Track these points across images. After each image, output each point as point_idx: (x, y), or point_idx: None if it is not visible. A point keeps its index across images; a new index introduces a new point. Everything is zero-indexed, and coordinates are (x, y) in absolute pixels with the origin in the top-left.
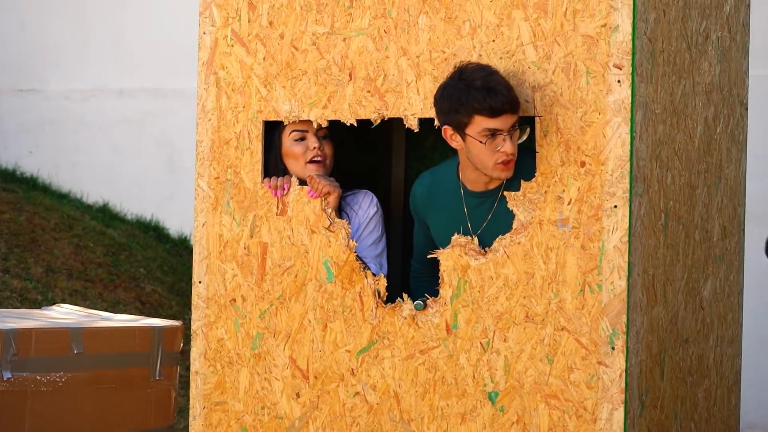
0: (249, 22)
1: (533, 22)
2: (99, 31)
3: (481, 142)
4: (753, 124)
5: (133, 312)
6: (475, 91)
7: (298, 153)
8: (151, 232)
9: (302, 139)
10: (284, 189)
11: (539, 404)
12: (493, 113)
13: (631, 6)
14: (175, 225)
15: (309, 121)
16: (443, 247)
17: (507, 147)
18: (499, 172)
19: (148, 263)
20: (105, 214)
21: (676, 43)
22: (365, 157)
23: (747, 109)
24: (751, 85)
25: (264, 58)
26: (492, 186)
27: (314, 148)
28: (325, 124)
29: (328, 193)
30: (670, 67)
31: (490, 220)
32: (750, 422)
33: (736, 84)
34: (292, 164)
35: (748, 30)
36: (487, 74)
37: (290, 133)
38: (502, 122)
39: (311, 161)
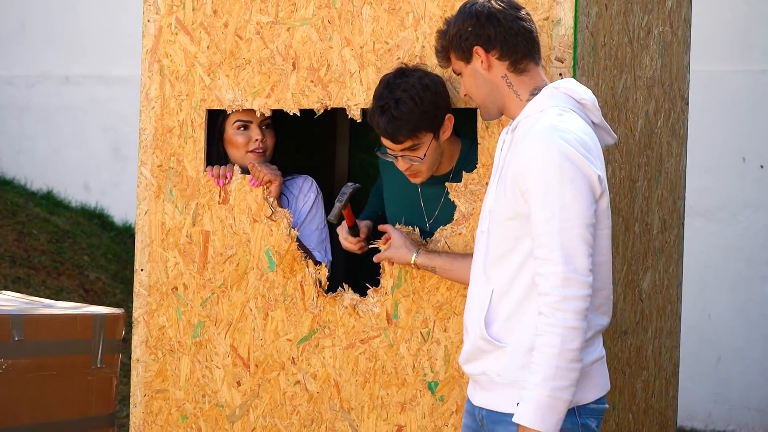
0: (193, 10)
1: None
2: (45, 17)
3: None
4: (694, 119)
5: (76, 299)
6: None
7: (240, 142)
8: (95, 219)
9: (245, 128)
10: (227, 178)
11: None
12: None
13: (573, 0)
14: (119, 213)
15: (253, 111)
16: (393, 219)
17: (399, 164)
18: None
19: (92, 251)
20: (49, 201)
21: (617, 37)
22: (310, 148)
23: (688, 103)
24: (693, 81)
25: (208, 47)
26: (438, 173)
27: (257, 139)
28: (268, 113)
29: (270, 182)
30: (612, 60)
31: (441, 209)
32: (689, 414)
33: (677, 78)
34: (233, 152)
35: (690, 25)
36: (392, 99)
37: (234, 122)
38: (390, 144)
39: (252, 151)
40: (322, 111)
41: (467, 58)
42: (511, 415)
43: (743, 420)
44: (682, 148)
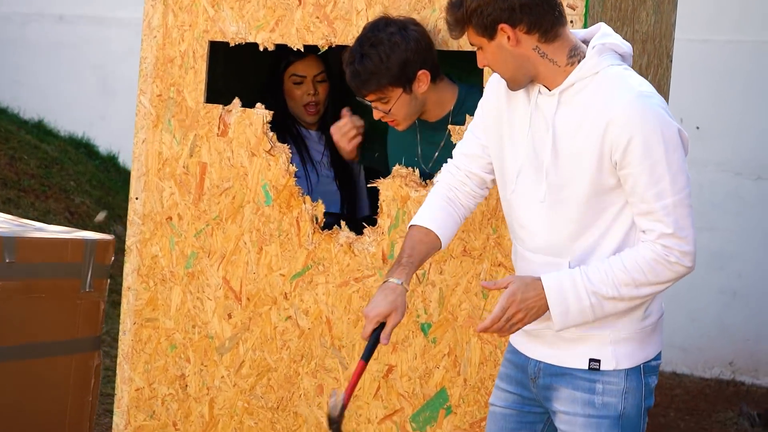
0: None
1: None
2: None
3: None
4: None
5: (62, 222)
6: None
7: (296, 95)
8: (82, 148)
9: (300, 83)
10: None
11: (471, 338)
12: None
13: None
14: (104, 143)
15: (307, 66)
16: (393, 162)
17: (374, 112)
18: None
19: (78, 177)
20: (40, 130)
21: None
22: None
23: (672, 61)
24: None
25: None
26: (432, 118)
27: (309, 94)
28: (271, 48)
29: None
30: (616, 12)
31: (440, 152)
32: None
33: (665, 36)
34: (291, 104)
35: None
36: (359, 54)
37: (290, 75)
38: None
39: (306, 105)
40: (326, 48)
41: (490, 35)
42: (580, 370)
43: (669, 357)
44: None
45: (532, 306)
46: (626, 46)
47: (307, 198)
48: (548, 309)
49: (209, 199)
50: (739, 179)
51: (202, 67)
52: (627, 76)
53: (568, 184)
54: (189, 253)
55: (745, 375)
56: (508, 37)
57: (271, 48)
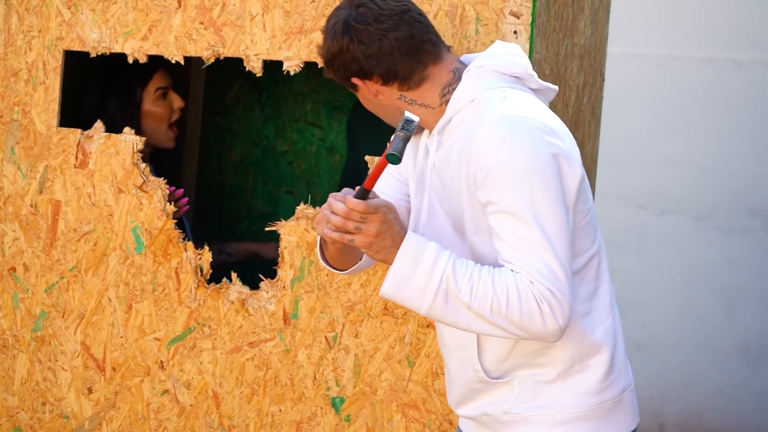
0: None
1: None
2: None
3: None
4: None
5: None
6: None
7: (162, 114)
8: None
9: (164, 96)
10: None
11: (394, 415)
12: None
13: None
14: None
15: (163, 73)
16: None
17: None
18: None
19: None
20: None
21: None
22: None
23: (605, 79)
24: None
25: None
26: None
27: (178, 107)
28: (143, 60)
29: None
30: (559, 21)
31: None
32: None
33: (599, 50)
34: (153, 126)
35: None
36: None
37: (155, 90)
38: None
39: (172, 124)
40: (212, 60)
41: (351, 86)
42: None
43: None
44: (598, 129)
45: (384, 240)
46: (520, 66)
47: (189, 244)
48: (391, 261)
49: (64, 245)
50: (642, 214)
51: (55, 82)
52: (498, 98)
53: (439, 228)
54: (38, 313)
55: None
56: (366, 90)
57: (142, 60)
